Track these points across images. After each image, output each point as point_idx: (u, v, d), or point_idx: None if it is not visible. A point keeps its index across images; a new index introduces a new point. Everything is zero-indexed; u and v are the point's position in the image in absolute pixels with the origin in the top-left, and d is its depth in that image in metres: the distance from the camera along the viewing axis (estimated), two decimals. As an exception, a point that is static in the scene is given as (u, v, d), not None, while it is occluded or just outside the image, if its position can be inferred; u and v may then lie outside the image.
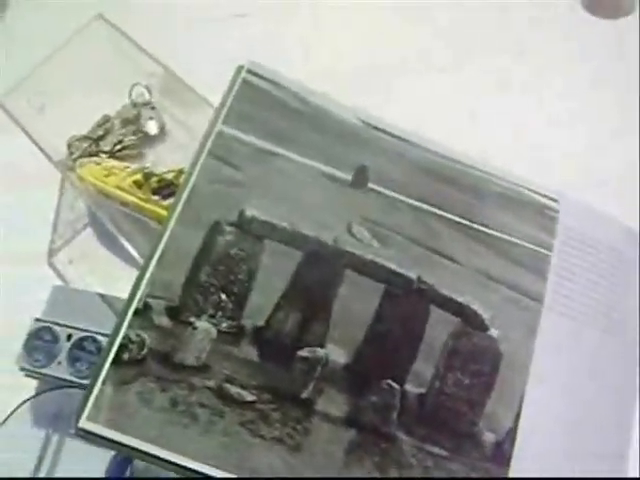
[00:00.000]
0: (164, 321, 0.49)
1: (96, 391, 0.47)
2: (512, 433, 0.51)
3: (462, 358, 0.52)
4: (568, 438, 0.52)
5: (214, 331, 0.50)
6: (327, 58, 0.81)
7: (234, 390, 0.48)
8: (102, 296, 0.68)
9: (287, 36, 0.85)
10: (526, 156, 0.70)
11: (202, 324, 0.50)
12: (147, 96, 0.84)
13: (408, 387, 0.51)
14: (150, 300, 0.49)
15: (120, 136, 0.83)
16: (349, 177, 0.55)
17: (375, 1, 0.87)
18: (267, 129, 0.55)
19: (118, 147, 0.82)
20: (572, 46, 0.81)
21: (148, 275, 0.50)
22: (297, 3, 0.88)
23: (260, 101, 0.55)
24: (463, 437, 0.51)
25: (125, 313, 0.49)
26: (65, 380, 0.64)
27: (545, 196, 0.58)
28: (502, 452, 0.50)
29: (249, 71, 0.56)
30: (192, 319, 0.50)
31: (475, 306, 0.53)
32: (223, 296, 0.50)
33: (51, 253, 0.77)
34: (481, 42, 0.82)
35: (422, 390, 0.51)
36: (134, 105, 0.84)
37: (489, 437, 0.51)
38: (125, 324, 0.49)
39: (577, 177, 0.68)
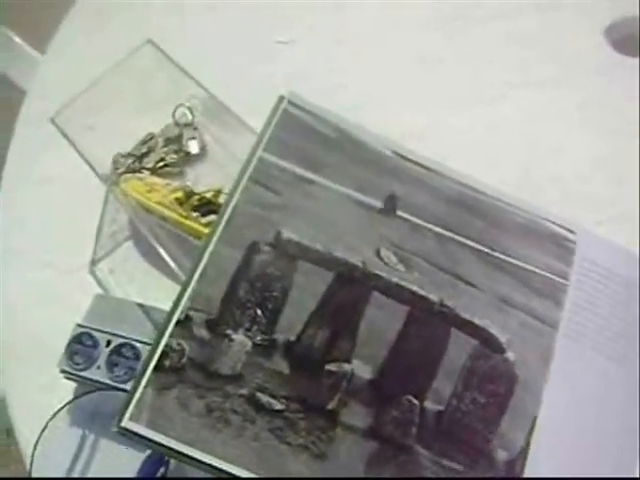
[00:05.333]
0: (203, 333, 0.53)
1: (138, 394, 0.51)
2: (524, 452, 0.54)
3: (479, 378, 0.55)
4: (577, 462, 0.55)
5: (249, 344, 0.53)
6: (367, 88, 0.85)
7: (265, 399, 0.52)
8: (141, 305, 0.72)
9: (330, 64, 0.88)
10: (548, 189, 0.73)
11: (238, 337, 0.54)
12: (189, 117, 0.88)
13: (427, 404, 0.54)
14: (191, 312, 0.53)
15: (162, 154, 0.87)
16: (379, 204, 0.59)
17: (418, 34, 0.90)
18: (305, 157, 0.59)
19: (160, 165, 0.86)
20: (600, 83, 0.83)
21: (190, 289, 0.54)
22: (342, 32, 0.92)
23: (299, 131, 0.59)
24: (477, 453, 0.54)
25: (168, 323, 0.53)
26: (103, 384, 0.68)
27: (563, 227, 0.61)
28: (513, 470, 0.54)
29: (289, 102, 0.60)
30: (229, 332, 0.54)
31: (493, 330, 0.56)
32: (258, 311, 0.54)
33: (93, 262, 0.81)
34: (502, 78, 0.85)
35: (440, 407, 0.54)
36: (177, 125, 0.88)
37: (502, 455, 0.54)
38: (167, 333, 0.53)
39: (596, 211, 0.70)
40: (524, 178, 0.73)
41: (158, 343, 0.52)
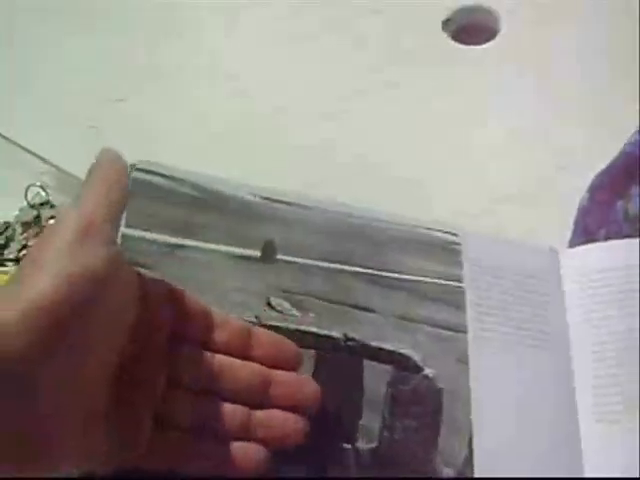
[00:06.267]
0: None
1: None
2: (469, 463, 0.53)
3: (404, 403, 0.53)
4: (522, 455, 0.54)
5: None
6: (206, 139, 0.82)
7: None
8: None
9: (168, 118, 0.84)
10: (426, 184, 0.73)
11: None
12: (44, 195, 0.83)
13: (360, 444, 0.52)
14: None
15: (23, 241, 0.81)
16: (257, 253, 0.56)
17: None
18: (170, 223, 0.55)
19: (23, 252, 0.81)
20: (444, 75, 0.84)
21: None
22: (174, 86, 0.88)
23: (157, 197, 0.56)
24: (424, 478, 0.52)
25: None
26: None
27: (445, 232, 0.60)
28: (463, 484, 0.52)
29: (139, 169, 0.57)
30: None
31: (405, 351, 0.54)
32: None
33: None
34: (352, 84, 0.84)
35: (374, 444, 0.52)
36: (32, 207, 0.83)
37: (448, 472, 0.53)
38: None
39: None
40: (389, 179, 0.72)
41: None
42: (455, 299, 0.57)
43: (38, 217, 0.83)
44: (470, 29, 0.84)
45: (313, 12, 0.89)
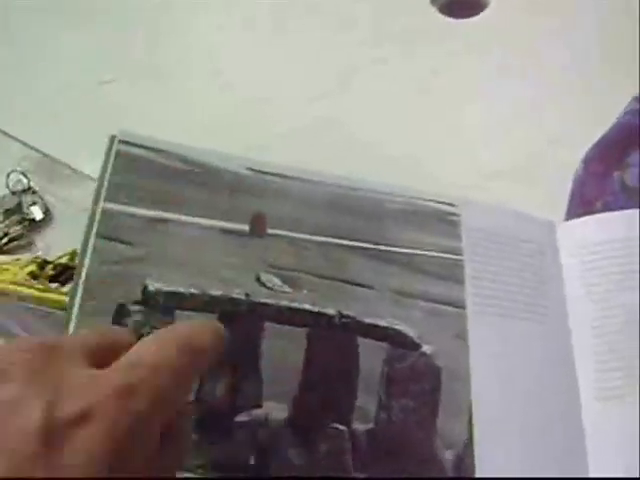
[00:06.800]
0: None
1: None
2: (469, 443, 0.50)
3: (402, 382, 0.51)
4: (523, 434, 0.52)
5: (144, 419, 0.47)
6: (201, 115, 0.80)
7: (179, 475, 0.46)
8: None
9: (158, 98, 0.82)
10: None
11: (130, 415, 0.47)
12: (25, 181, 0.81)
13: (356, 425, 0.49)
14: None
15: (5, 228, 0.79)
16: (246, 227, 0.53)
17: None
18: (153, 197, 0.53)
19: (5, 240, 0.79)
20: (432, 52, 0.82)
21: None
22: (164, 65, 0.86)
23: (140, 169, 0.53)
24: (422, 461, 0.50)
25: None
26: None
27: (442, 202, 0.58)
28: (464, 465, 0.50)
29: (122, 141, 0.54)
30: (118, 412, 0.47)
31: (400, 327, 0.52)
32: (146, 380, 0.48)
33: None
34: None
35: (370, 425, 0.50)
36: (13, 194, 0.81)
37: (448, 454, 0.50)
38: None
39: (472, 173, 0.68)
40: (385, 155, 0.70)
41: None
42: (453, 273, 0.55)
43: (19, 204, 0.80)
44: (459, 2, 0.82)
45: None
